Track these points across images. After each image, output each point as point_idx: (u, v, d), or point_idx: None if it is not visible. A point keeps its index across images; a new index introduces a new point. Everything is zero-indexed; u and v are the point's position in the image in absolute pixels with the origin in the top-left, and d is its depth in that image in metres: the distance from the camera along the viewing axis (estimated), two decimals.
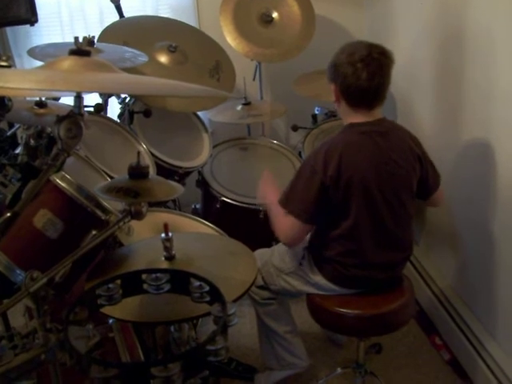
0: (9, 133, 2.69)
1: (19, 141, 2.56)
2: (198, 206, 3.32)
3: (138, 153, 1.55)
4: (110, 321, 1.90)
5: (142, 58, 2.57)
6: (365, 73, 2.04)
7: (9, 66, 1.87)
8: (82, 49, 1.25)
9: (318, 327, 2.79)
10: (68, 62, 1.25)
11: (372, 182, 2.09)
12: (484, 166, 2.44)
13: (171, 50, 3.02)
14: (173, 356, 1.43)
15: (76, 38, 1.36)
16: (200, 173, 3.15)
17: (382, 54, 2.07)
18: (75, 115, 1.26)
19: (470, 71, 2.52)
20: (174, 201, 3.24)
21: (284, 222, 2.18)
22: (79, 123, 1.26)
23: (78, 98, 1.27)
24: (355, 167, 2.07)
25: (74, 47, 1.27)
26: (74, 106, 1.27)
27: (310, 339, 2.88)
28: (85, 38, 1.70)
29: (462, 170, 2.66)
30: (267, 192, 2.36)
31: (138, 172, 1.52)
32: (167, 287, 1.51)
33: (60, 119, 1.24)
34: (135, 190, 1.48)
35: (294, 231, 2.17)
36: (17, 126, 2.66)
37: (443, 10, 2.78)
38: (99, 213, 1.69)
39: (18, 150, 2.29)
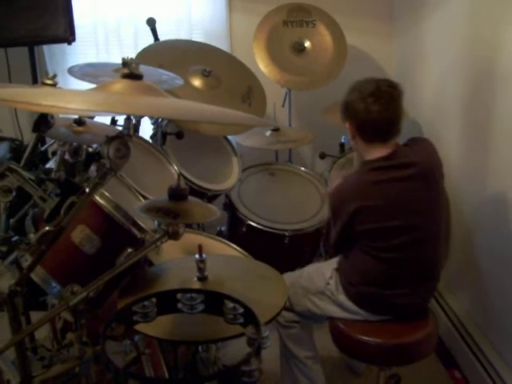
0: (42, 148, 2.75)
1: (49, 156, 2.62)
2: (223, 229, 3.33)
3: (179, 175, 1.61)
4: (136, 337, 1.93)
5: (178, 81, 2.62)
6: (376, 106, 2.10)
7: (54, 85, 1.92)
8: (135, 73, 1.29)
9: (337, 354, 2.79)
10: (120, 85, 1.30)
11: (390, 214, 2.14)
12: (508, 197, 2.45)
13: (205, 75, 3.06)
14: (210, 374, 1.46)
15: (124, 61, 1.40)
16: (227, 196, 3.18)
17: (390, 87, 2.14)
18: (124, 136, 1.30)
19: (500, 104, 2.54)
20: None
21: None
22: (128, 144, 1.30)
23: (128, 120, 1.32)
24: (370, 201, 2.14)
25: (126, 71, 1.31)
26: (123, 127, 1.31)
27: (328, 365, 2.87)
28: (129, 60, 1.74)
29: (486, 201, 2.67)
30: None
31: (177, 194, 1.57)
32: (201, 307, 1.54)
33: (110, 139, 1.28)
34: (174, 211, 1.52)
35: None
36: (50, 141, 2.71)
37: (473, 42, 2.81)
38: (135, 231, 1.73)
39: (48, 165, 2.34)
